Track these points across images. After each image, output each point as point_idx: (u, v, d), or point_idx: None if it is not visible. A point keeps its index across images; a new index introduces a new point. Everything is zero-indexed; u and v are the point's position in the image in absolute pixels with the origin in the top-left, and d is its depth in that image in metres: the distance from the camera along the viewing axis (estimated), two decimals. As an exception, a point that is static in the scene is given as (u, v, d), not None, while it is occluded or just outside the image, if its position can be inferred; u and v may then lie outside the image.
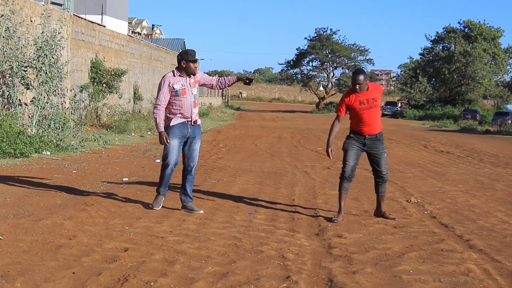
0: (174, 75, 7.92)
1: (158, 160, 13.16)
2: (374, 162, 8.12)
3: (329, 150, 8.10)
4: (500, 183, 12.56)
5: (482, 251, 6.54)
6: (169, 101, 7.86)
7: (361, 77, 7.81)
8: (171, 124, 7.88)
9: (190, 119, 7.92)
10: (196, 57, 7.93)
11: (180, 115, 7.87)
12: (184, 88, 7.86)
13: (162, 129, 7.82)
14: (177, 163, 8.00)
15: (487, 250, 6.56)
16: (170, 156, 7.92)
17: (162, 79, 7.94)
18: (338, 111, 8.09)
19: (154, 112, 7.91)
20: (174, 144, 7.89)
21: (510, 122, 42.13)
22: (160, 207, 8.07)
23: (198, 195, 9.40)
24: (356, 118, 7.98)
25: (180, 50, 7.29)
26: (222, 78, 8.24)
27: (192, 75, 7.95)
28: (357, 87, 7.81)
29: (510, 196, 10.74)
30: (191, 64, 7.85)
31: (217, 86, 8.26)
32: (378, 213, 8.30)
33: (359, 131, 7.99)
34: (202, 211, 8.01)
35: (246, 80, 8.15)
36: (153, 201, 8.15)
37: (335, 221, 7.80)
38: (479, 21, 66.50)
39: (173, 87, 7.83)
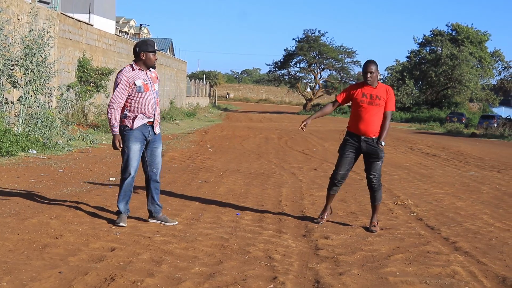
0: (133, 69, 7.02)
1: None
2: (366, 166, 7.62)
3: (304, 122, 7.64)
4: (486, 185, 12.63)
5: (468, 253, 6.57)
6: (128, 98, 6.96)
7: (373, 66, 7.42)
8: (133, 126, 6.96)
9: (152, 120, 7.07)
10: (155, 48, 7.15)
11: (142, 114, 6.98)
12: (147, 83, 7.01)
13: (117, 132, 6.92)
14: (136, 171, 7.14)
15: (472, 253, 6.59)
16: (132, 163, 7.00)
17: (118, 74, 7.02)
18: (337, 95, 7.82)
19: (108, 112, 6.95)
20: (136, 149, 7.00)
21: (495, 125, 42.33)
22: (126, 224, 7.00)
23: (185, 195, 9.40)
24: (355, 114, 7.54)
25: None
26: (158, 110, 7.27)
27: (152, 69, 7.15)
28: (369, 76, 7.38)
29: (496, 199, 10.80)
30: (151, 55, 7.03)
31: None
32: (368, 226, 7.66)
33: (355, 129, 7.51)
34: (176, 222, 7.27)
35: None
36: (117, 219, 7.08)
37: (317, 222, 7.75)
38: (467, 25, 66.91)
39: (134, 83, 6.93)
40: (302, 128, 7.65)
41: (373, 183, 7.61)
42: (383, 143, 7.50)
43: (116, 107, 6.91)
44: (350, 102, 7.66)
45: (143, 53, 7.02)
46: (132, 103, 6.96)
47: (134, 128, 6.96)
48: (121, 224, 6.94)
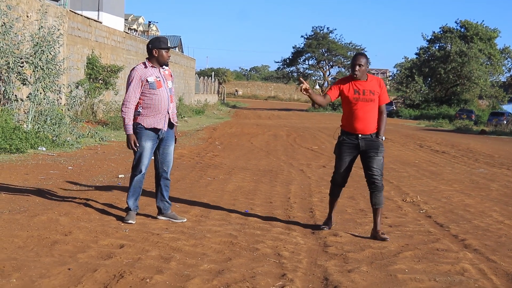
0: (145, 67, 7.02)
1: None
2: (365, 163, 7.02)
3: (307, 87, 6.85)
4: (495, 183, 12.59)
5: (477, 250, 6.55)
6: (141, 95, 6.97)
7: (362, 59, 6.95)
8: (146, 125, 6.98)
9: (165, 118, 7.06)
10: (168, 44, 7.09)
11: (156, 111, 6.98)
12: (159, 80, 7.00)
13: (131, 132, 6.93)
14: (147, 168, 7.18)
15: (482, 250, 6.57)
16: (143, 161, 7.03)
17: (131, 72, 7.04)
18: (328, 91, 7.12)
19: (122, 111, 6.97)
20: (148, 147, 7.02)
21: (505, 122, 42.22)
22: (135, 221, 7.01)
23: (194, 192, 9.41)
24: (348, 112, 7.02)
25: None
26: (174, 108, 7.24)
27: (165, 66, 7.16)
28: (357, 69, 6.90)
29: (505, 196, 10.76)
30: (164, 53, 7.01)
31: None
32: (373, 232, 7.00)
33: (351, 128, 6.99)
34: (185, 219, 7.26)
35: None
36: (125, 216, 7.09)
37: (324, 228, 7.23)
38: (477, 22, 66.60)
39: (147, 80, 6.92)
40: (303, 88, 6.82)
41: (376, 181, 6.92)
42: (383, 138, 7.04)
43: (130, 106, 6.93)
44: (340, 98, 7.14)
45: (156, 50, 7.00)
46: (145, 100, 6.96)
47: (147, 127, 6.97)
48: (130, 221, 6.94)
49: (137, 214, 7.23)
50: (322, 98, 7.12)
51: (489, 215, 8.76)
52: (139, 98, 6.98)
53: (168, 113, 7.09)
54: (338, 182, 7.19)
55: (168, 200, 7.32)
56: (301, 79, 7.09)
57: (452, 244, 6.82)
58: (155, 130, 7.03)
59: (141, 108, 6.98)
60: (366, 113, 6.93)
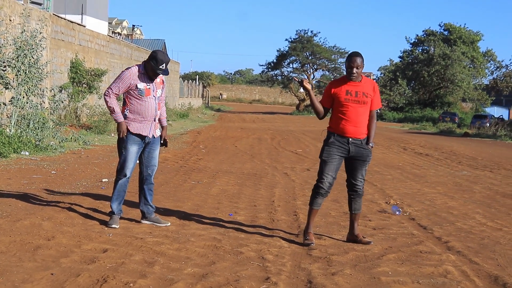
0: (139, 71, 6.94)
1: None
2: (350, 170, 6.73)
3: (307, 83, 6.66)
4: (478, 185, 12.66)
5: (460, 252, 6.59)
6: (130, 97, 6.94)
7: (359, 60, 6.50)
8: (131, 129, 6.94)
9: (151, 125, 7.04)
10: (161, 67, 6.84)
11: (142, 118, 6.95)
12: (149, 88, 6.94)
13: (122, 119, 6.92)
14: (131, 172, 7.14)
15: (465, 252, 6.61)
16: (128, 165, 7.00)
17: (124, 71, 7.00)
18: (322, 101, 6.74)
19: (107, 101, 6.89)
20: (133, 151, 7.00)
21: (488, 125, 42.46)
22: (118, 225, 6.96)
23: (178, 196, 9.39)
24: (339, 113, 6.59)
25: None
26: (163, 112, 7.25)
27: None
28: (354, 72, 6.48)
29: (488, 198, 10.83)
30: (154, 72, 6.90)
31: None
32: (351, 237, 6.87)
33: (341, 131, 6.57)
34: (169, 224, 7.23)
35: (162, 139, 7.36)
36: (109, 220, 7.05)
37: (309, 243, 6.60)
38: (459, 25, 67.09)
39: (136, 85, 6.88)
40: (304, 83, 6.64)
41: (358, 189, 6.73)
42: (372, 145, 6.72)
43: (111, 95, 6.89)
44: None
45: (150, 64, 6.85)
46: (133, 103, 6.95)
47: (133, 132, 6.96)
48: (113, 225, 6.91)
49: (121, 218, 7.21)
50: (321, 107, 6.73)
51: (472, 217, 8.81)
52: (127, 100, 6.98)
53: (155, 120, 7.08)
54: (324, 188, 6.63)
55: (151, 204, 7.28)
56: (295, 78, 6.83)
57: (435, 246, 6.85)
58: (141, 136, 7.03)
59: (128, 111, 6.97)
60: (358, 116, 6.55)
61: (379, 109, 6.88)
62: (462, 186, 12.39)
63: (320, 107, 6.72)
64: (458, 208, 9.61)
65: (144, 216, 7.30)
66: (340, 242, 6.89)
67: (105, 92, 6.97)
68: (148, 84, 6.94)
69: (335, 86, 6.65)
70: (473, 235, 7.58)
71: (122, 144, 7.03)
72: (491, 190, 11.94)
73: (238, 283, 5.09)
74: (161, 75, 7.06)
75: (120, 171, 7.05)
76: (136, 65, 7.07)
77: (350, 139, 6.57)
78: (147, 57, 7.01)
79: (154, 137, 7.16)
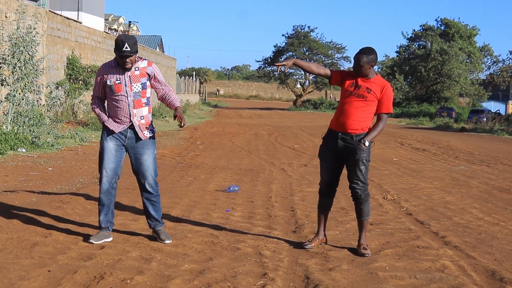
0: (111, 65, 6.07)
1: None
2: (347, 171, 6.30)
3: (285, 63, 6.12)
4: (475, 180, 12.67)
5: (457, 247, 6.59)
6: (107, 98, 6.17)
7: (363, 58, 6.05)
8: (107, 125, 6.12)
9: (125, 125, 6.08)
10: (125, 49, 5.81)
11: (115, 117, 6.09)
12: (119, 83, 5.98)
13: (105, 119, 6.11)
14: (117, 175, 6.21)
15: (462, 247, 6.62)
16: (105, 163, 6.07)
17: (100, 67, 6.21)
18: (334, 71, 6.35)
19: (91, 105, 6.23)
20: (108, 147, 6.07)
21: (485, 119, 42.48)
22: (100, 241, 6.04)
23: (175, 192, 9.38)
24: (339, 105, 6.28)
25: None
26: (168, 96, 6.29)
27: (141, 63, 6.10)
28: (357, 68, 6.11)
29: (485, 193, 10.84)
30: (120, 57, 5.92)
31: (160, 98, 6.37)
32: (357, 248, 6.30)
33: (334, 124, 6.25)
34: (170, 241, 6.21)
35: (177, 117, 6.17)
36: (93, 235, 6.19)
37: (307, 247, 6.33)
38: (455, 19, 67.02)
39: (106, 82, 6.04)
40: (280, 67, 6.15)
41: (357, 193, 6.24)
42: (366, 143, 6.04)
43: (94, 100, 6.21)
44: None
45: (115, 51, 5.95)
46: (108, 101, 6.19)
47: (108, 127, 6.13)
48: (90, 240, 6.04)
49: (116, 216, 7.10)
50: (316, 65, 6.35)
51: (469, 212, 8.82)
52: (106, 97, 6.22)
53: (131, 119, 6.08)
54: (323, 190, 6.43)
55: (155, 216, 6.33)
56: (275, 64, 6.16)
57: (433, 241, 6.85)
58: (117, 134, 6.11)
59: (107, 107, 6.24)
60: (352, 109, 6.11)
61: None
62: (459, 181, 12.40)
63: (312, 65, 6.37)
64: (455, 203, 9.62)
65: (153, 231, 6.42)
66: (337, 237, 6.89)
67: (91, 97, 6.34)
68: (118, 79, 5.99)
69: (346, 74, 6.29)
70: (470, 229, 7.59)
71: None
72: (488, 185, 11.95)
73: (235, 279, 5.09)
74: (141, 65, 6.09)
75: (99, 170, 6.16)
76: (113, 58, 6.17)
77: (340, 133, 6.16)
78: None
79: (140, 139, 6.18)
